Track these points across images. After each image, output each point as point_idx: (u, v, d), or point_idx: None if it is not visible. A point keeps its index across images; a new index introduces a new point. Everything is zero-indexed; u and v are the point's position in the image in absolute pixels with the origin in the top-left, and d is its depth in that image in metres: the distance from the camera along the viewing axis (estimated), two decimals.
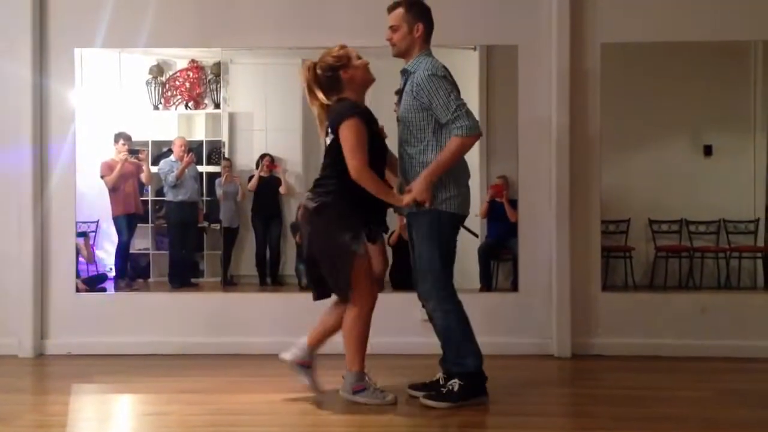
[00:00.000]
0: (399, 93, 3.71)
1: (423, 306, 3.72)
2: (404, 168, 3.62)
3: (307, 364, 3.71)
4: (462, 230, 5.63)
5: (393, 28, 3.54)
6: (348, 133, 3.42)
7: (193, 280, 6.27)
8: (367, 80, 3.57)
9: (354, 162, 3.42)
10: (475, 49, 5.71)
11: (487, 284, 5.66)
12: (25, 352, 4.81)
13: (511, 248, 5.33)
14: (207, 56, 6.24)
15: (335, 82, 3.52)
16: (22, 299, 4.84)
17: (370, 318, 3.58)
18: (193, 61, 6.36)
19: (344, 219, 3.47)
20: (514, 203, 5.27)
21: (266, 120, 6.66)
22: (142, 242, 6.45)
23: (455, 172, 3.56)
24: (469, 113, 3.46)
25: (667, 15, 4.86)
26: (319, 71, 3.53)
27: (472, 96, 5.95)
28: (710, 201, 6.03)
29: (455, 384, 3.53)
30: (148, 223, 6.44)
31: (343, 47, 3.57)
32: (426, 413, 3.49)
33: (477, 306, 4.97)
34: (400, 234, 6.01)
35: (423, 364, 4.11)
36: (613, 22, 4.86)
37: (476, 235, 5.82)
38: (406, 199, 3.50)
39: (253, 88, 6.49)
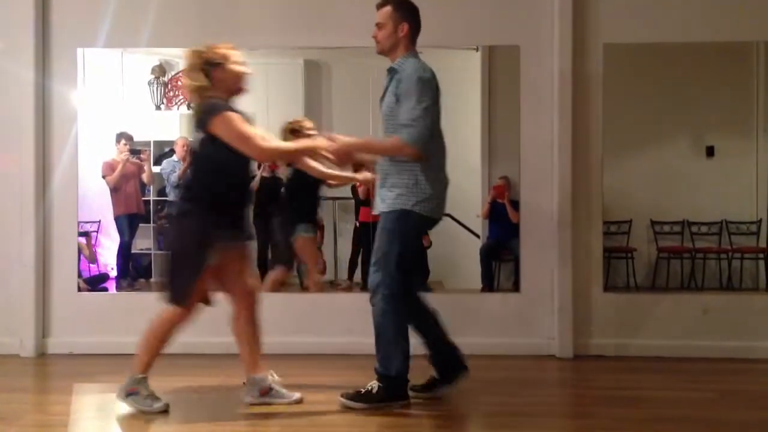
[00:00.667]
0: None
1: (370, 299, 3.59)
2: (384, 167, 3.56)
3: (266, 391, 3.59)
4: (463, 230, 5.66)
5: (379, 26, 3.54)
6: (224, 126, 3.34)
7: None
8: (237, 89, 3.52)
9: (249, 149, 3.35)
10: (476, 49, 5.72)
11: (489, 285, 5.66)
12: (26, 351, 4.82)
13: (512, 249, 5.33)
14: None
15: (207, 78, 3.46)
16: (23, 299, 4.84)
17: (180, 326, 3.48)
18: None
19: (203, 226, 3.36)
20: (515, 204, 5.27)
21: (268, 120, 6.65)
22: (143, 242, 6.45)
23: (434, 174, 3.51)
24: (425, 127, 3.39)
25: (669, 16, 4.85)
26: (198, 60, 3.47)
27: (473, 97, 5.97)
28: (712, 202, 6.03)
29: (375, 386, 3.49)
30: (149, 223, 6.44)
31: (229, 47, 3.51)
32: (425, 413, 3.48)
33: (479, 306, 4.99)
34: None
35: (425, 364, 4.11)
36: (616, 23, 4.86)
37: (478, 236, 5.83)
38: (324, 142, 3.49)
39: (255, 89, 6.46)
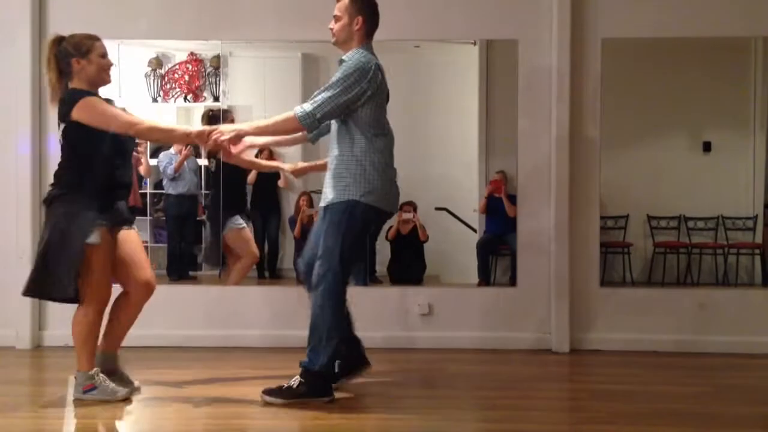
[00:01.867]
0: None
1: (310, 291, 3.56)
2: (331, 157, 3.55)
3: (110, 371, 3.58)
4: (460, 225, 5.67)
5: (335, 18, 3.55)
6: (87, 110, 3.34)
7: (191, 272, 6.27)
8: (99, 80, 3.49)
9: (117, 126, 3.35)
10: (474, 43, 5.71)
11: (486, 279, 5.67)
12: (23, 343, 4.81)
13: (509, 243, 5.34)
14: (206, 49, 6.22)
15: (66, 66, 3.44)
16: (20, 290, 4.82)
17: (99, 318, 3.46)
18: (192, 53, 6.35)
19: (78, 211, 3.34)
20: (512, 198, 5.28)
21: (265, 113, 6.62)
22: (141, 235, 6.43)
23: (380, 164, 3.48)
24: (320, 109, 3.38)
25: (667, 10, 4.84)
26: (59, 48, 3.45)
27: (471, 91, 5.97)
28: (709, 197, 6.04)
29: (296, 381, 3.45)
30: (146, 216, 6.43)
31: (92, 37, 3.48)
32: (419, 406, 3.48)
33: (475, 301, 4.99)
34: (398, 229, 6.02)
35: (422, 358, 4.12)
36: (614, 18, 4.85)
37: (475, 230, 5.83)
38: (200, 132, 3.50)
39: (252, 82, 6.48)
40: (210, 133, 3.48)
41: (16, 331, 4.83)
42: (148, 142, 6.33)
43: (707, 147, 6.03)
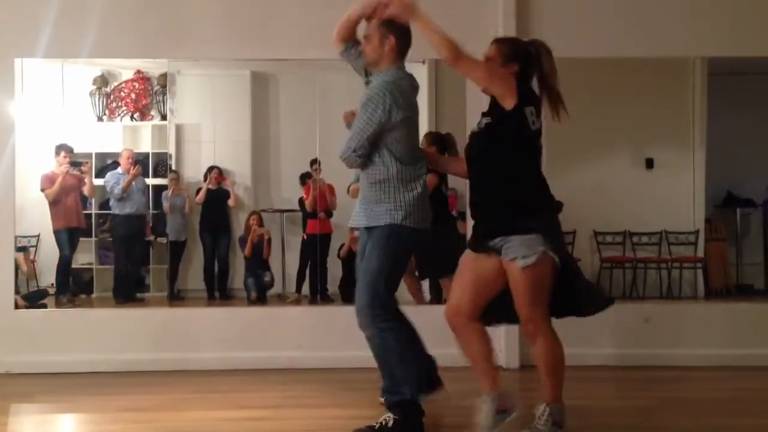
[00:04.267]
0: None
1: (360, 323, 3.37)
2: (364, 182, 3.44)
3: None
4: None
5: (366, 38, 3.44)
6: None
7: (138, 295, 6.16)
8: None
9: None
10: (423, 62, 5.76)
11: (437, 296, 5.69)
12: None
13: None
14: (153, 67, 6.16)
15: None
16: None
17: None
18: (138, 71, 6.28)
19: None
20: (462, 216, 5.32)
21: (214, 132, 6.60)
22: (84, 257, 6.30)
23: (412, 184, 3.38)
24: (361, 147, 3.29)
25: (609, 32, 4.96)
26: None
27: (421, 109, 5.95)
28: (652, 213, 6.20)
29: (389, 419, 3.25)
30: (91, 236, 6.30)
31: None
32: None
33: (428, 318, 4.94)
34: (350, 247, 6.01)
35: (372, 377, 4.11)
36: (558, 38, 4.89)
37: None
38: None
39: (200, 100, 6.43)
40: None
41: None
42: (93, 160, 6.21)
43: (650, 164, 6.19)
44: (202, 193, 6.29)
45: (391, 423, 3.20)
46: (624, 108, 6.03)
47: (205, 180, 6.38)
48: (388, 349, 3.29)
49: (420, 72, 5.83)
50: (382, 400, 3.48)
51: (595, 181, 6.03)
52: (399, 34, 3.42)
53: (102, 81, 6.24)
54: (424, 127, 6.03)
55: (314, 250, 6.18)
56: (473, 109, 4.95)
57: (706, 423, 3.54)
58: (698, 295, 6.13)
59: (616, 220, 6.21)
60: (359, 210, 3.43)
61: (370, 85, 3.43)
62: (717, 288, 6.41)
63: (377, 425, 3.22)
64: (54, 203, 5.88)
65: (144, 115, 6.38)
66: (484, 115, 3.36)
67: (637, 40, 4.97)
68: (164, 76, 6.12)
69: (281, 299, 6.25)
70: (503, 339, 4.83)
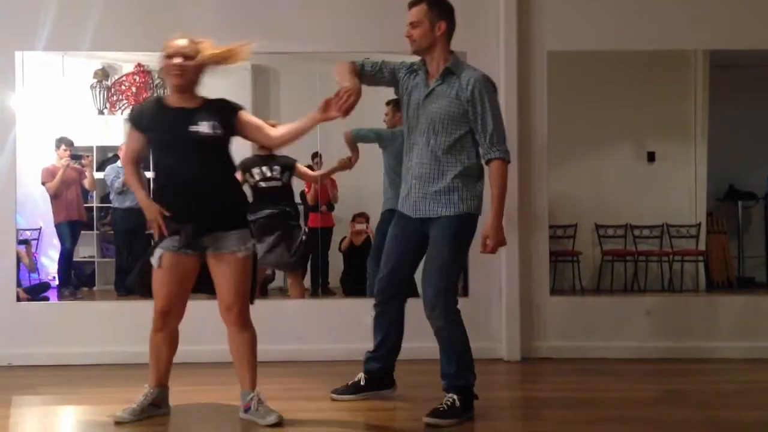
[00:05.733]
0: (405, 96, 3.56)
1: (428, 315, 3.43)
2: (433, 172, 3.43)
3: None
4: None
5: (413, 24, 3.42)
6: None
7: None
8: (168, 82, 3.49)
9: None
10: None
11: None
12: None
13: None
14: (154, 60, 6.13)
15: None
16: None
17: None
18: (139, 65, 6.26)
19: None
20: None
21: None
22: (86, 250, 6.31)
23: (478, 171, 3.47)
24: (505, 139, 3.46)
25: (611, 25, 4.96)
26: None
27: None
28: (654, 206, 6.19)
29: (454, 399, 3.37)
30: (92, 230, 6.30)
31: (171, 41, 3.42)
32: (371, 417, 3.47)
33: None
34: (351, 240, 6.01)
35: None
36: (559, 31, 4.95)
37: None
38: (489, 248, 3.41)
39: (201, 93, 6.40)
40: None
41: None
42: (94, 154, 6.22)
43: (651, 157, 6.18)
44: None
45: (458, 403, 3.35)
46: (625, 101, 6.02)
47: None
48: (459, 339, 3.42)
49: None
50: (335, 396, 3.68)
51: (597, 175, 6.03)
52: (449, 19, 3.46)
53: (103, 74, 6.23)
54: None
55: (315, 243, 6.17)
56: None
57: (707, 415, 3.54)
58: (700, 288, 6.13)
59: (617, 213, 6.20)
60: (422, 197, 3.41)
61: (464, 74, 3.39)
62: (718, 281, 6.41)
63: (443, 407, 3.34)
64: (55, 196, 5.88)
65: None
66: None
67: (638, 33, 4.96)
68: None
69: (282, 292, 6.25)
70: (504, 331, 4.84)
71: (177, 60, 3.26)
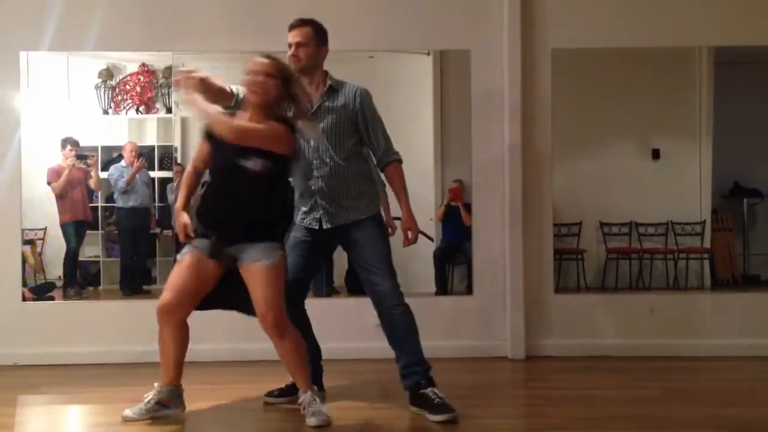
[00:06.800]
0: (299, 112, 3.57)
1: (379, 307, 3.60)
2: (338, 182, 3.58)
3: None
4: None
5: (299, 44, 3.57)
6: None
7: (145, 287, 6.17)
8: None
9: None
10: (428, 53, 5.75)
11: (443, 287, 5.69)
12: None
13: (465, 252, 5.37)
14: (158, 60, 6.15)
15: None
16: None
17: None
18: (143, 64, 6.27)
19: None
20: (468, 207, 5.31)
21: None
22: (91, 249, 6.32)
23: (375, 175, 3.75)
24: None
25: (615, 21, 4.95)
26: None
27: (426, 100, 6.00)
28: (658, 203, 6.17)
29: (434, 389, 3.47)
30: (97, 229, 6.31)
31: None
32: (374, 417, 3.48)
33: (432, 309, 4.99)
34: None
35: (378, 368, 4.12)
36: (563, 28, 4.94)
37: (431, 239, 5.85)
38: (412, 238, 3.61)
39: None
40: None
41: None
42: (99, 154, 6.23)
43: (656, 154, 6.16)
44: (206, 187, 6.28)
45: (438, 390, 3.46)
46: (630, 98, 6.00)
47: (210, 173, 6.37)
48: (413, 330, 3.55)
49: (425, 63, 5.83)
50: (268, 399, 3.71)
51: (601, 172, 6.01)
52: (326, 42, 3.66)
53: (107, 74, 6.23)
54: (428, 123, 6.05)
55: None
56: (479, 101, 4.96)
57: (711, 413, 3.54)
58: (704, 286, 6.11)
59: (622, 211, 6.18)
60: (342, 206, 3.58)
61: (346, 89, 3.62)
62: (723, 279, 6.39)
63: (437, 399, 3.42)
64: (60, 196, 5.89)
65: (149, 108, 6.37)
66: None
67: (642, 30, 4.95)
68: (169, 69, 6.10)
69: None
70: (509, 329, 4.84)
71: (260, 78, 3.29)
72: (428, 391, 3.45)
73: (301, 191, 3.65)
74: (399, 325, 3.54)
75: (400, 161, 3.65)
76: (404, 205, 3.61)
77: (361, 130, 3.62)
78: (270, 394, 3.73)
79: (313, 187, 3.58)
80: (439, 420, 3.33)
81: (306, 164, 3.59)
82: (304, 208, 3.64)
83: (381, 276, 3.54)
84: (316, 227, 3.60)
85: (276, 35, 4.86)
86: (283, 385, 3.72)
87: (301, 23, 3.62)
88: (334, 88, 3.61)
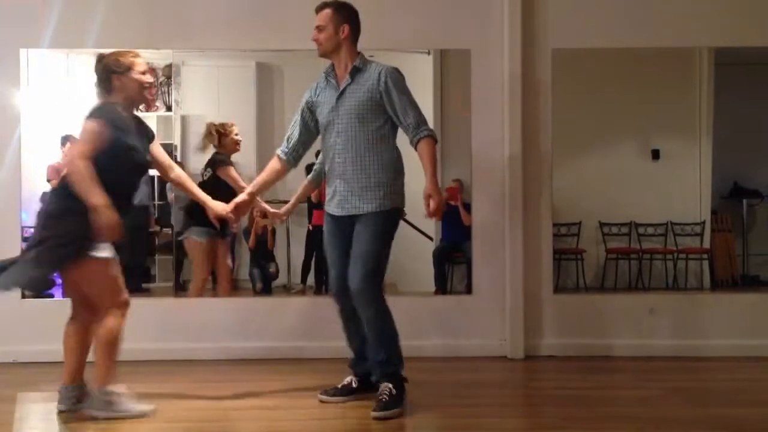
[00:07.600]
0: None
1: (342, 304, 3.63)
2: (357, 168, 3.53)
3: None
4: (416, 233, 5.66)
5: (319, 28, 3.57)
6: (82, 130, 3.41)
7: (144, 285, 6.17)
8: (138, 98, 3.56)
9: (72, 151, 3.45)
10: (428, 53, 5.74)
11: (442, 287, 5.70)
12: None
13: (465, 251, 5.37)
14: (158, 58, 6.13)
15: (106, 83, 3.52)
16: None
17: None
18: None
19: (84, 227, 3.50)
20: (468, 206, 5.32)
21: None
22: None
23: (400, 165, 3.61)
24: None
25: (615, 21, 4.95)
26: (99, 65, 3.51)
27: (426, 99, 5.99)
28: (658, 204, 6.17)
29: (391, 387, 3.46)
30: None
31: (135, 55, 3.52)
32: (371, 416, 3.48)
33: (432, 308, 5.01)
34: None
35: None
36: (564, 28, 4.94)
37: (431, 239, 5.86)
38: (434, 207, 3.45)
39: (205, 91, 6.42)
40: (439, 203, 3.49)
41: None
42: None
43: (656, 155, 6.16)
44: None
45: (395, 391, 3.45)
46: (630, 99, 6.00)
47: None
48: (386, 329, 3.51)
49: (425, 63, 5.83)
50: (323, 398, 3.65)
51: (601, 172, 6.01)
52: (353, 22, 3.60)
53: None
54: (430, 121, 6.03)
55: (319, 241, 6.16)
56: (479, 101, 4.96)
57: (710, 413, 3.54)
58: (704, 286, 6.11)
59: (621, 211, 6.18)
60: (355, 194, 3.50)
61: (371, 68, 3.54)
62: (723, 279, 6.39)
63: (384, 398, 3.41)
64: None
65: (149, 106, 6.37)
66: None
67: (642, 30, 4.95)
68: (169, 67, 6.11)
69: (286, 290, 6.26)
70: (508, 329, 4.84)
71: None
72: (383, 386, 3.47)
73: (326, 176, 3.67)
74: (366, 324, 3.53)
75: (431, 137, 3.50)
76: (429, 175, 3.45)
77: (389, 111, 3.51)
78: (325, 392, 3.70)
79: (334, 173, 3.58)
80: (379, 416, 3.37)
81: (326, 148, 3.60)
82: (329, 195, 3.63)
83: (354, 271, 3.47)
84: (338, 213, 3.59)
85: (276, 33, 4.90)
86: (339, 385, 3.71)
87: (322, 6, 3.59)
88: (359, 69, 3.55)
